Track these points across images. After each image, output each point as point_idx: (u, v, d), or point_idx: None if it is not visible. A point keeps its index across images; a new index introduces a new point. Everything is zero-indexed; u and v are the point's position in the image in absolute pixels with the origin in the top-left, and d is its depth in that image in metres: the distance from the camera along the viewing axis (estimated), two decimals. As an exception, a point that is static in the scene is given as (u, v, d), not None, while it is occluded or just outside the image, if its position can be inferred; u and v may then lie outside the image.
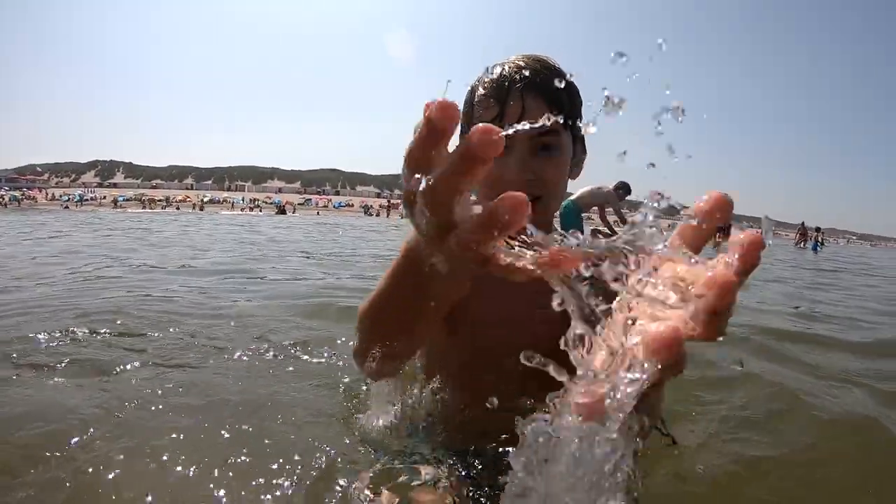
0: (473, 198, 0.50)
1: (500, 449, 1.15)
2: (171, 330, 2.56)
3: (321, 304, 3.48)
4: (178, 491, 1.29)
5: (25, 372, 1.92)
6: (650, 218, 0.46)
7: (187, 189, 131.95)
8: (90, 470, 1.31)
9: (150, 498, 1.25)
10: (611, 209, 9.75)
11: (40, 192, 73.28)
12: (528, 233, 0.48)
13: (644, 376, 0.41)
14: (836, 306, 5.03)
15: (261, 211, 48.59)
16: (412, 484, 1.13)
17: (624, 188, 9.41)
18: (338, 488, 1.22)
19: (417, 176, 0.47)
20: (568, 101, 1.19)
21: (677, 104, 0.46)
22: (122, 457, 1.37)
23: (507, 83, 1.16)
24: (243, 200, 74.58)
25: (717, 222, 0.47)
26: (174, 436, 1.50)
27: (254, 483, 1.28)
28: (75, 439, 1.42)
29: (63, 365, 1.99)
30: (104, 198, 61.22)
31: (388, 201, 64.54)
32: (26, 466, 1.31)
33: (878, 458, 1.66)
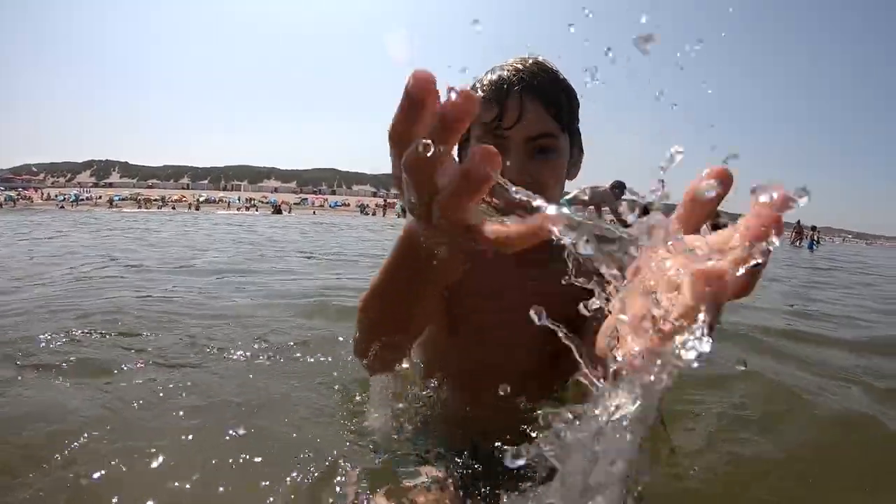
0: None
1: (500, 448, 1.16)
2: (171, 330, 2.55)
3: (321, 303, 3.49)
4: (179, 491, 1.29)
5: (26, 372, 1.92)
6: (658, 216, 0.46)
7: (183, 189, 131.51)
8: (91, 470, 1.30)
9: (151, 498, 1.26)
10: (607, 208, 9.78)
11: (36, 191, 73.00)
12: (517, 197, 0.48)
13: (704, 316, 0.39)
14: (833, 305, 5.05)
15: (257, 210, 48.53)
16: (411, 483, 1.13)
17: (620, 187, 9.45)
18: (338, 488, 1.22)
19: (424, 144, 0.47)
20: (566, 103, 1.21)
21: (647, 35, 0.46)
22: (122, 457, 1.37)
23: (505, 85, 1.17)
24: (239, 200, 74.44)
25: (717, 197, 0.47)
26: (175, 436, 1.50)
27: (254, 483, 1.29)
28: (76, 440, 1.41)
29: (63, 365, 1.98)
30: (100, 197, 61.10)
31: (385, 200, 64.49)
32: (27, 467, 1.31)
33: (876, 455, 1.67)
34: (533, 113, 1.16)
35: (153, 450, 1.40)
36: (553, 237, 0.47)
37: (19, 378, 1.87)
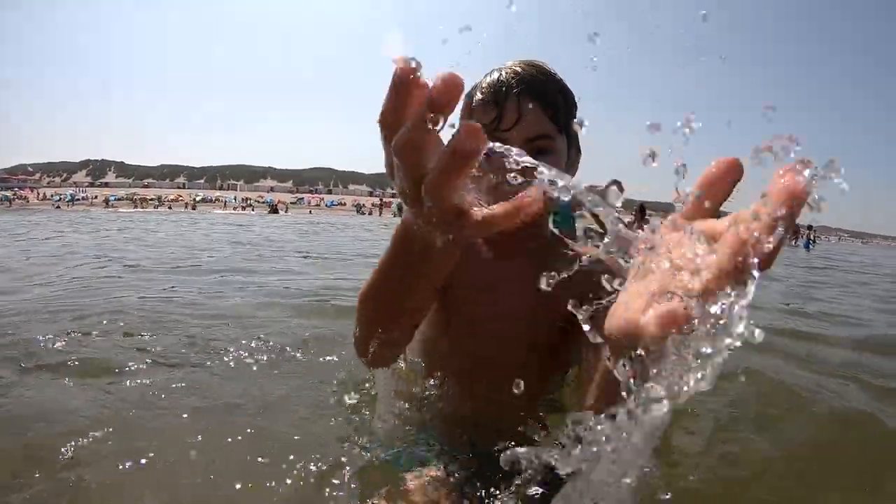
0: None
1: (499, 446, 1.17)
2: (171, 330, 2.55)
3: (320, 303, 3.50)
4: (180, 491, 1.29)
5: (27, 373, 1.92)
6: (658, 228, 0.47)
7: (179, 188, 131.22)
8: (93, 470, 1.31)
9: (152, 498, 1.26)
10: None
11: (32, 191, 72.91)
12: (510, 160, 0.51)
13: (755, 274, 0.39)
14: (830, 303, 5.07)
15: (253, 210, 48.51)
16: (410, 483, 1.14)
17: (616, 187, 9.47)
18: (338, 488, 1.22)
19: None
20: (563, 105, 1.22)
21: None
22: (124, 457, 1.37)
23: (504, 88, 1.19)
24: (235, 200, 74.38)
25: (728, 188, 0.48)
26: (175, 436, 1.50)
27: (255, 483, 1.29)
28: (78, 440, 1.41)
29: (64, 366, 1.99)
30: (95, 197, 60.94)
31: (381, 200, 64.44)
32: (29, 467, 1.31)
33: (875, 453, 1.68)
34: (531, 115, 1.17)
35: (154, 450, 1.40)
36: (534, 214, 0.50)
37: (21, 379, 1.87)
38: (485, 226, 0.55)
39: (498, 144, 0.51)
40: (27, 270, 4.84)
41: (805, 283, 7.05)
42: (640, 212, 10.71)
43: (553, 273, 0.59)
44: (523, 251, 1.30)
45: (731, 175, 0.48)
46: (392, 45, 0.48)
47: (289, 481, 1.27)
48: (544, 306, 1.26)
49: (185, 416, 1.63)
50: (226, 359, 2.13)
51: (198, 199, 68.86)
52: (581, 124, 0.62)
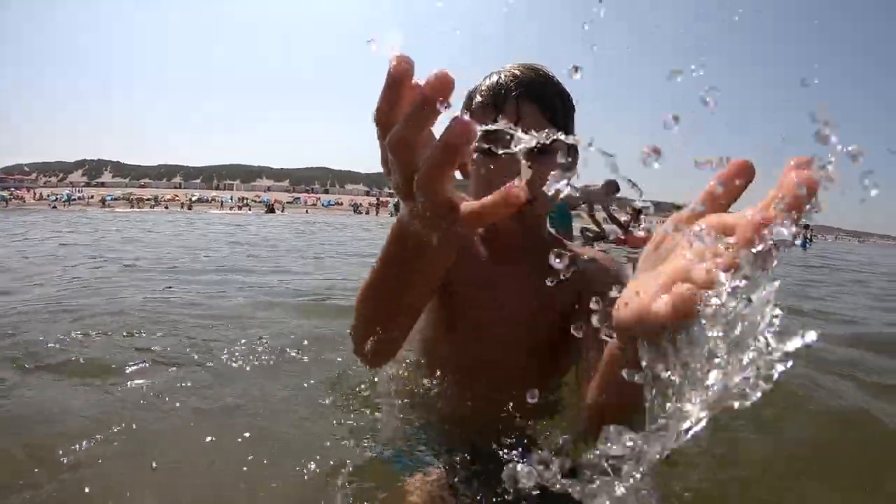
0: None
1: (498, 445, 1.18)
2: (171, 330, 2.56)
3: (318, 303, 3.51)
4: (181, 491, 1.30)
5: (28, 373, 1.92)
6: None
7: (176, 188, 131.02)
8: (93, 471, 1.31)
9: (153, 498, 1.26)
10: (599, 207, 9.83)
11: (28, 191, 72.64)
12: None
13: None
14: (827, 302, 5.08)
15: (249, 210, 48.42)
16: (410, 483, 1.14)
17: (614, 186, 9.49)
18: (338, 487, 1.22)
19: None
20: (561, 107, 1.25)
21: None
22: (125, 458, 1.38)
23: (503, 91, 1.21)
24: (232, 199, 74.21)
25: (740, 188, 0.52)
26: (176, 437, 1.51)
27: (255, 483, 1.29)
28: (79, 440, 1.41)
29: (65, 366, 1.99)
30: (92, 197, 60.72)
31: (378, 199, 64.40)
32: (31, 467, 1.31)
33: (875, 452, 1.68)
34: (530, 117, 1.19)
35: (155, 450, 1.41)
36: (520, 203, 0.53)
37: (22, 379, 1.87)
38: (475, 218, 0.57)
39: (502, 124, 0.55)
40: (26, 270, 4.83)
41: (802, 282, 7.06)
42: (636, 211, 10.78)
43: (564, 254, 0.62)
44: (522, 252, 1.31)
45: (743, 175, 0.52)
46: (383, 44, 0.50)
47: (289, 481, 1.28)
48: (544, 307, 1.27)
49: (185, 416, 1.63)
50: (226, 359, 2.13)
51: (194, 199, 68.68)
52: (577, 68, 0.66)
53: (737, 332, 0.42)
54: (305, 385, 1.89)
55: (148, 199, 61.56)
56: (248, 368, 2.07)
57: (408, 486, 1.13)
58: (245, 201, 68.20)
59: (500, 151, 0.58)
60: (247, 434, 1.52)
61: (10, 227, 11.80)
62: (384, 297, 0.86)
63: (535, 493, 0.91)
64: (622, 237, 10.45)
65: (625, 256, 8.19)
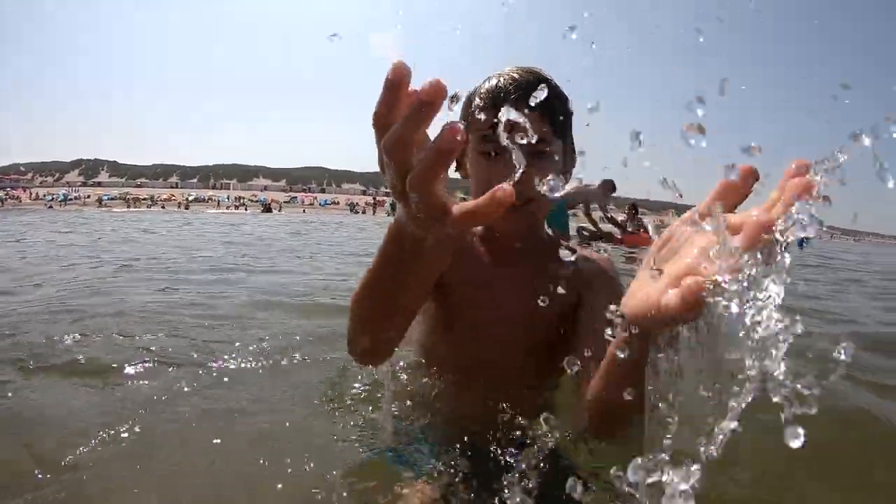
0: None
1: (497, 444, 1.18)
2: (171, 331, 2.56)
3: (317, 302, 3.52)
4: (181, 491, 1.29)
5: (28, 374, 1.92)
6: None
7: (172, 188, 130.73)
8: (94, 471, 1.31)
9: (154, 499, 1.26)
10: (596, 206, 9.85)
11: (24, 191, 72.59)
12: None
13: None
14: (824, 301, 5.09)
15: (246, 209, 48.40)
16: (409, 483, 1.14)
17: (610, 186, 9.51)
18: (338, 487, 1.22)
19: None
20: (559, 110, 1.26)
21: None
22: (126, 458, 1.38)
23: (502, 94, 1.23)
24: (229, 199, 74.12)
25: (744, 191, 0.57)
26: (177, 437, 1.51)
27: (255, 483, 1.30)
28: (81, 441, 1.41)
29: (65, 367, 1.99)
30: (88, 197, 60.69)
31: (374, 199, 64.40)
32: (30, 468, 1.31)
33: (875, 452, 1.68)
34: (529, 120, 1.19)
35: (155, 451, 1.41)
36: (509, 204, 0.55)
37: (22, 380, 1.87)
38: (468, 217, 0.59)
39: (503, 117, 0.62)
40: (26, 270, 4.82)
41: (797, 281, 7.08)
42: (633, 210, 10.89)
43: (573, 248, 0.65)
44: (520, 252, 1.32)
45: (750, 178, 0.56)
46: (381, 45, 0.52)
47: (289, 482, 1.28)
48: (542, 307, 1.28)
49: (186, 416, 1.63)
50: (226, 359, 2.13)
51: (191, 198, 68.64)
52: (572, 28, 0.72)
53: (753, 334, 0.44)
54: (305, 385, 1.89)
55: (144, 199, 61.52)
56: (247, 368, 2.07)
57: (407, 486, 1.13)
58: (242, 201, 68.14)
59: (501, 145, 0.61)
60: (247, 434, 1.52)
61: (7, 227, 11.78)
62: (380, 297, 0.87)
63: (535, 493, 0.92)
64: (619, 237, 10.49)
65: (622, 256, 8.21)
